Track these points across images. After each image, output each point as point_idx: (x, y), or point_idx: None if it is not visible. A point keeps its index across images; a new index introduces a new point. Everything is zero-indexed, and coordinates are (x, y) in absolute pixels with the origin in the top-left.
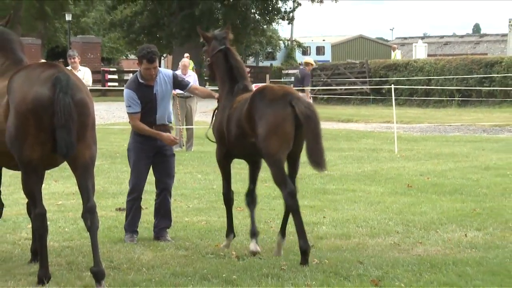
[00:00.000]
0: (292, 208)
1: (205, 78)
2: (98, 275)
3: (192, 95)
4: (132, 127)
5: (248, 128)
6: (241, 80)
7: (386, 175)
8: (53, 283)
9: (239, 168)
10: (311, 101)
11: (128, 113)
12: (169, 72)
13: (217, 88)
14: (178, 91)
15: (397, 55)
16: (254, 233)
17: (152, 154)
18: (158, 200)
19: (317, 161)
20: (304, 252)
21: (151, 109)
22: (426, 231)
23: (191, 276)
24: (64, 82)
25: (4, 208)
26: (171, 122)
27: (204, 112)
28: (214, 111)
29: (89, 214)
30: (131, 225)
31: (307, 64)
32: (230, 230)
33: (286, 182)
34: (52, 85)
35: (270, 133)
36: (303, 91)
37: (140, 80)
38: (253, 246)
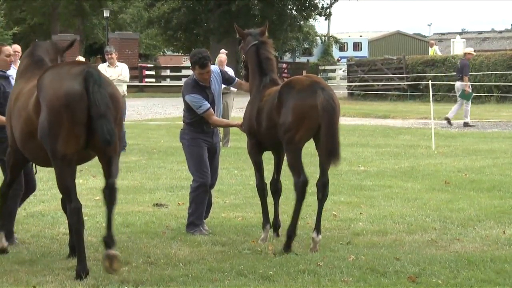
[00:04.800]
0: (299, 196)
1: (242, 75)
2: (109, 243)
3: (228, 91)
4: (212, 124)
5: (278, 120)
6: (269, 73)
7: (423, 171)
8: (91, 278)
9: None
10: (469, 90)
11: (202, 113)
12: (216, 68)
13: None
14: None
15: (436, 51)
16: (276, 226)
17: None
18: None
19: (329, 154)
20: (289, 237)
21: (212, 108)
22: (464, 228)
23: (228, 271)
24: (96, 76)
25: (42, 203)
26: None
27: (241, 108)
28: None
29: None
30: (200, 219)
31: (465, 54)
32: (266, 221)
33: (301, 171)
34: (83, 79)
35: (297, 122)
36: (461, 80)
37: (200, 83)
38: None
